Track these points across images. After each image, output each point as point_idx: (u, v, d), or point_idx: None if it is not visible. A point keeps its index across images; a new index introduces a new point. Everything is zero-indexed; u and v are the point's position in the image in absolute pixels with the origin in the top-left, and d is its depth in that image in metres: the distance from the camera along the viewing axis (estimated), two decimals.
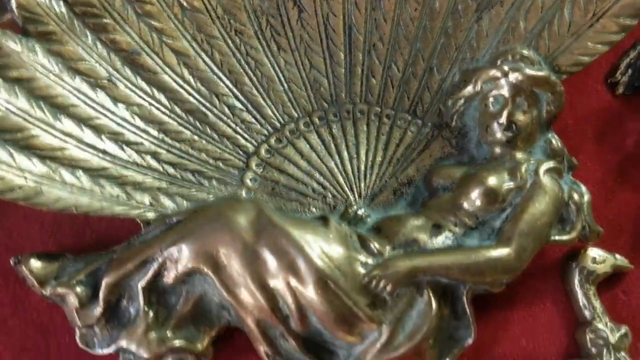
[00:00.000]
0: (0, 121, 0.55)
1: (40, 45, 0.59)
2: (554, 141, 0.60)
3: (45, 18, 0.58)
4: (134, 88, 0.61)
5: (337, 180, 0.62)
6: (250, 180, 0.62)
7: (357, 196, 0.62)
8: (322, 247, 0.53)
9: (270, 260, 0.52)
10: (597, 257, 0.61)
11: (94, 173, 0.58)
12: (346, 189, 0.62)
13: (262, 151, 0.62)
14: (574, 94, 0.67)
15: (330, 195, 0.63)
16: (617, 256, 0.62)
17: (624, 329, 0.61)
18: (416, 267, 0.53)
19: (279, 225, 0.53)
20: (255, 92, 0.63)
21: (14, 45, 0.58)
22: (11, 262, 0.56)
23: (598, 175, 0.68)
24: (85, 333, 0.56)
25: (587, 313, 0.61)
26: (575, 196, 0.58)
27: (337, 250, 0.53)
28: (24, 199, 0.55)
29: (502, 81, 0.58)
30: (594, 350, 0.60)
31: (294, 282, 0.52)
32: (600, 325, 0.60)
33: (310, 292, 0.52)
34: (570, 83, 0.64)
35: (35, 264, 0.56)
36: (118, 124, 0.60)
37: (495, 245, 0.55)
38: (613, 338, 0.60)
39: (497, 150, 0.59)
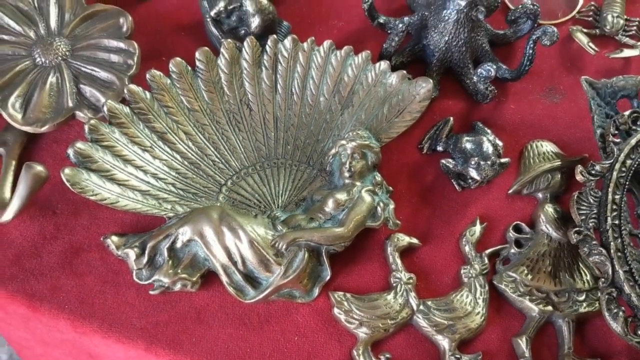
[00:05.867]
0: (98, 167, 0.92)
1: (117, 129, 0.95)
2: (377, 177, 0.95)
3: (120, 115, 0.95)
4: (163, 151, 0.96)
5: (266, 198, 0.97)
6: (222, 198, 0.96)
7: (276, 206, 0.97)
8: (252, 227, 0.92)
9: (227, 233, 0.89)
10: (400, 237, 0.95)
11: (143, 193, 0.93)
12: (271, 203, 0.97)
13: (229, 183, 0.97)
14: (398, 153, 1.02)
15: (262, 206, 0.97)
16: (413, 238, 0.96)
17: (411, 275, 0.93)
18: (297, 236, 0.90)
19: (232, 216, 0.92)
20: (225, 153, 0.98)
21: (104, 129, 0.94)
22: (101, 238, 0.97)
23: (406, 197, 1.00)
24: (138, 272, 0.92)
25: (393, 266, 0.94)
26: (382, 204, 0.93)
27: (260, 229, 0.93)
28: (110, 203, 0.91)
29: (347, 146, 0.95)
30: (394, 284, 0.92)
31: (238, 243, 0.89)
32: (399, 273, 0.93)
33: (246, 248, 0.90)
34: (396, 147, 1.01)
35: (114, 238, 0.92)
36: (155, 168, 0.95)
37: (338, 227, 0.92)
38: (405, 279, 0.92)
39: (346, 181, 0.95)
